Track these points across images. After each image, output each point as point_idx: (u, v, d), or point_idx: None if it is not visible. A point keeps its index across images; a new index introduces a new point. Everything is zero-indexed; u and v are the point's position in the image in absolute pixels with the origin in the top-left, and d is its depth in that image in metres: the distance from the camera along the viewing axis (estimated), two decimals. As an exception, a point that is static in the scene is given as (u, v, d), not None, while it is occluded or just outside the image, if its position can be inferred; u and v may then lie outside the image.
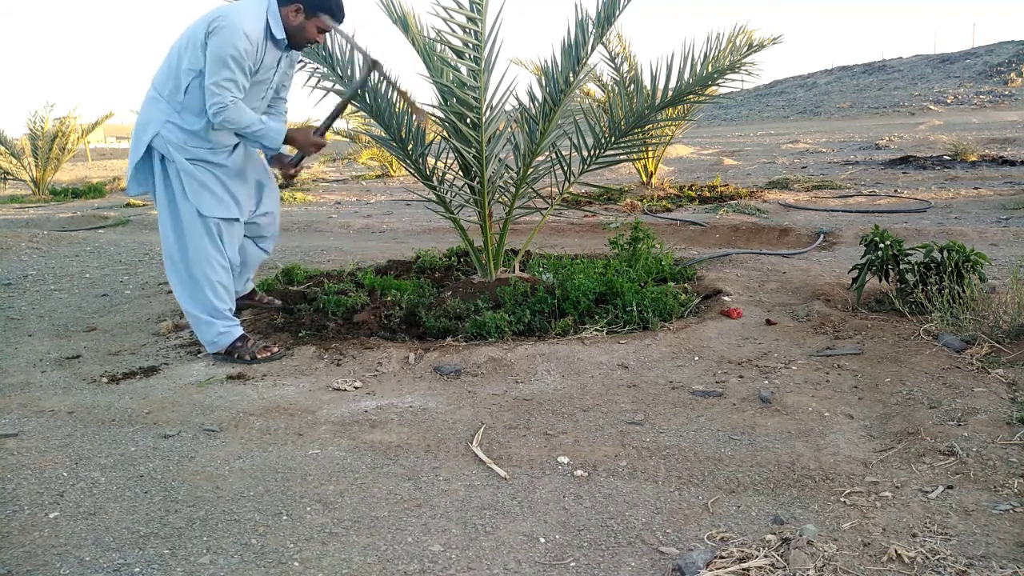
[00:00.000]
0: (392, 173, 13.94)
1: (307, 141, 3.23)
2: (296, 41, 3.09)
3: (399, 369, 3.06)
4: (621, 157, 4.26)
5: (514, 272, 4.16)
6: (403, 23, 3.99)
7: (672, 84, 3.85)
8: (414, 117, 3.64)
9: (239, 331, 3.26)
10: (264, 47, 3.00)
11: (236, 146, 3.22)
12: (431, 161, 4.09)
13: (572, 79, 3.70)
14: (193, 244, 3.14)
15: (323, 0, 3.03)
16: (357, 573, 1.71)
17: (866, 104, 29.55)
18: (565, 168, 4.07)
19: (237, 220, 3.25)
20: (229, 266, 3.26)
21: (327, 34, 3.22)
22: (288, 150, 3.38)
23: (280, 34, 3.01)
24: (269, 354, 3.20)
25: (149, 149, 3.09)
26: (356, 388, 2.87)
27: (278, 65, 3.16)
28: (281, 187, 3.42)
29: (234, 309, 3.30)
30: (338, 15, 3.11)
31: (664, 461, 2.19)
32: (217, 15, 2.91)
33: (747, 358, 3.02)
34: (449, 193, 4.08)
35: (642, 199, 7.75)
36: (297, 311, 3.77)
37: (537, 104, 3.84)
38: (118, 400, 2.83)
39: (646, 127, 4.03)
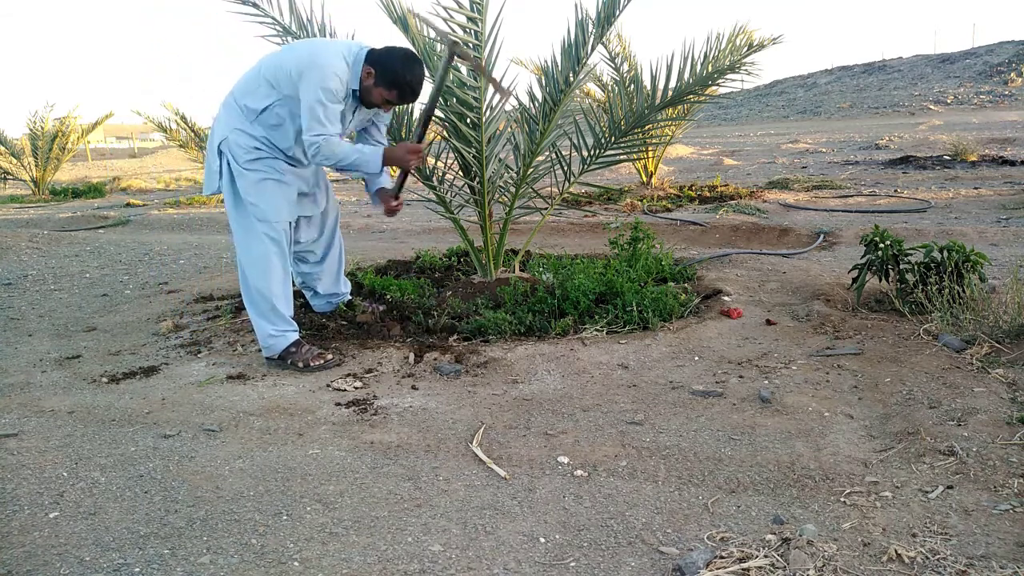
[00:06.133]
0: (392, 173, 13.93)
1: (404, 153, 3.11)
2: (364, 99, 3.06)
3: (399, 369, 3.06)
4: (621, 157, 4.26)
5: (514, 272, 4.16)
6: (403, 23, 3.99)
7: (672, 84, 3.85)
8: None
9: (294, 336, 3.15)
10: (348, 91, 2.99)
11: (296, 168, 3.17)
12: (431, 161, 4.10)
13: (572, 79, 3.70)
14: (252, 246, 3.07)
15: (394, 76, 2.95)
16: (357, 573, 1.71)
17: (866, 104, 29.57)
18: (565, 168, 4.07)
19: (293, 223, 3.18)
20: (288, 268, 3.17)
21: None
22: (390, 172, 3.34)
23: (354, 85, 2.99)
24: (323, 361, 3.10)
25: (220, 155, 3.05)
26: (356, 388, 2.87)
27: (354, 113, 3.12)
28: (388, 213, 3.39)
29: (291, 313, 3.19)
30: (405, 96, 3.04)
31: (664, 461, 2.19)
32: (310, 55, 2.88)
33: (747, 358, 3.02)
34: (449, 193, 4.08)
35: (642, 199, 7.75)
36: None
37: (537, 104, 3.84)
38: (118, 400, 2.83)
39: (646, 127, 4.03)
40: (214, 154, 3.07)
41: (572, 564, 1.72)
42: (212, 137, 3.10)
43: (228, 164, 3.04)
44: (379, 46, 3.02)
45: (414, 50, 3.10)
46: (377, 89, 3.00)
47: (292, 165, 3.13)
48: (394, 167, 3.21)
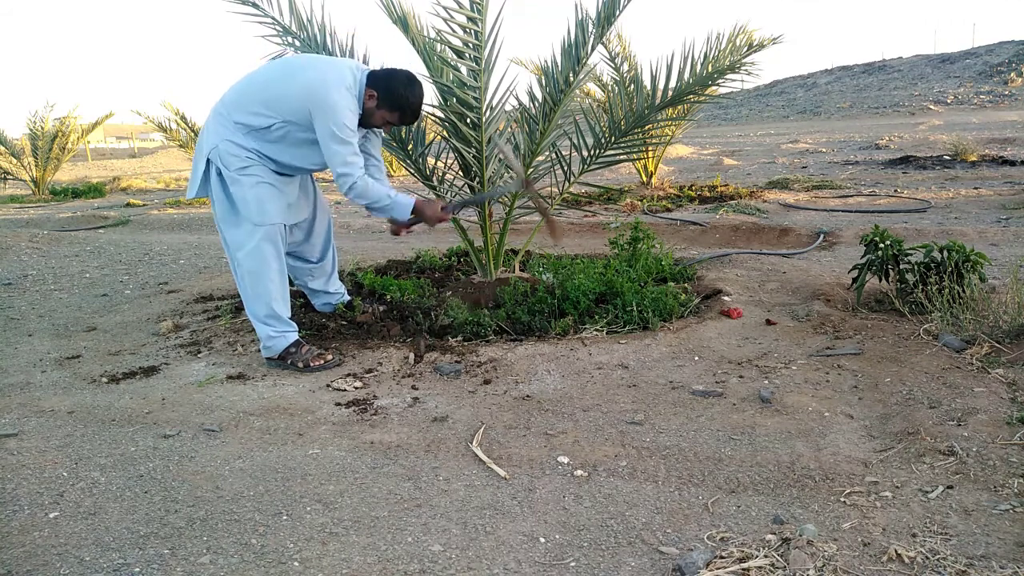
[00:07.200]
0: (392, 173, 13.94)
1: (433, 216, 3.20)
2: (365, 122, 3.09)
3: (399, 369, 3.06)
4: (621, 157, 4.27)
5: (514, 272, 4.16)
6: (403, 23, 3.99)
7: (672, 84, 3.85)
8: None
9: (293, 336, 3.15)
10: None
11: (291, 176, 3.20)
12: (431, 161, 4.10)
13: (572, 79, 3.70)
14: (249, 248, 3.07)
15: (396, 99, 3.01)
16: (357, 573, 1.71)
17: (866, 104, 29.56)
18: (565, 168, 4.08)
19: (287, 225, 3.18)
20: (284, 269, 3.17)
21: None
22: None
23: (358, 110, 3.01)
24: (323, 362, 3.10)
25: (208, 163, 3.06)
26: (356, 388, 2.87)
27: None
28: (393, 233, 3.43)
29: (290, 313, 3.19)
30: (407, 118, 3.10)
31: (664, 461, 2.19)
32: (320, 91, 2.87)
33: (747, 358, 3.02)
34: (449, 193, 4.08)
35: (642, 199, 7.75)
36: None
37: (537, 104, 3.84)
38: (118, 400, 2.83)
39: (646, 127, 4.03)
40: (201, 160, 3.07)
41: (572, 564, 1.72)
42: (201, 144, 3.09)
43: (219, 173, 3.05)
44: (379, 68, 3.08)
45: (413, 71, 3.13)
46: (380, 111, 3.04)
47: (280, 175, 3.13)
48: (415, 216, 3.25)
